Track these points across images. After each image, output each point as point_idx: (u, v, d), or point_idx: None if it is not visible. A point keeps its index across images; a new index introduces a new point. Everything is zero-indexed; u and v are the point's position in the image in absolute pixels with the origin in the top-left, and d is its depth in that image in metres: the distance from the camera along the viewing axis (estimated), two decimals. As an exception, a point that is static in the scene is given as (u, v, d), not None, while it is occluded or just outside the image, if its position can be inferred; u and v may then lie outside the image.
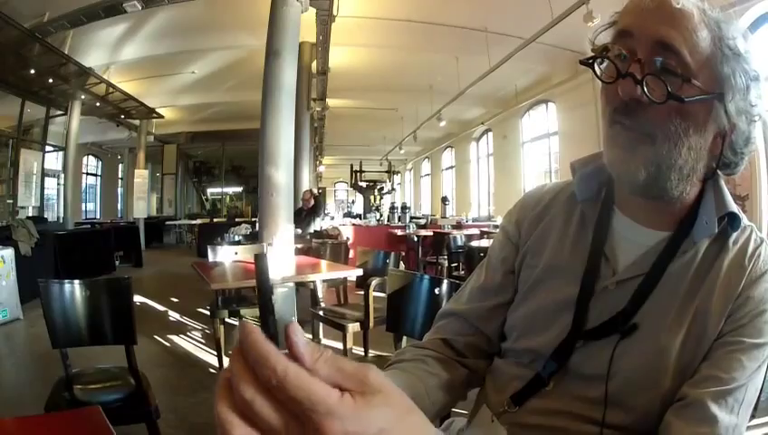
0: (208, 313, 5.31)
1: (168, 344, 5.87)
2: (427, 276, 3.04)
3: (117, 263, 12.20)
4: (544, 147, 14.94)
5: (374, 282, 4.33)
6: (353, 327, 4.25)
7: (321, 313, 4.80)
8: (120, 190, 22.94)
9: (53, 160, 15.33)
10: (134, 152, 19.21)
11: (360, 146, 24.90)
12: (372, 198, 20.52)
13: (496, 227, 12.03)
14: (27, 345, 5.86)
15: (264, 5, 6.49)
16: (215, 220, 19.77)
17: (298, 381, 0.46)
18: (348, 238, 10.09)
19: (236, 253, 5.66)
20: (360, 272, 5.03)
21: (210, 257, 5.64)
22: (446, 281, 2.87)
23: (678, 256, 1.01)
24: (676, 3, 0.93)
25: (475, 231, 11.49)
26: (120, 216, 21.08)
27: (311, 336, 5.22)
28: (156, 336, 6.07)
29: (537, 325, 1.12)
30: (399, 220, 15.05)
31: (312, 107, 13.49)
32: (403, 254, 11.47)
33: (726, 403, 0.89)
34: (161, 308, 7.81)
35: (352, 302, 5.33)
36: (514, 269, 1.23)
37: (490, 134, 18.64)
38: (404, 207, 16.14)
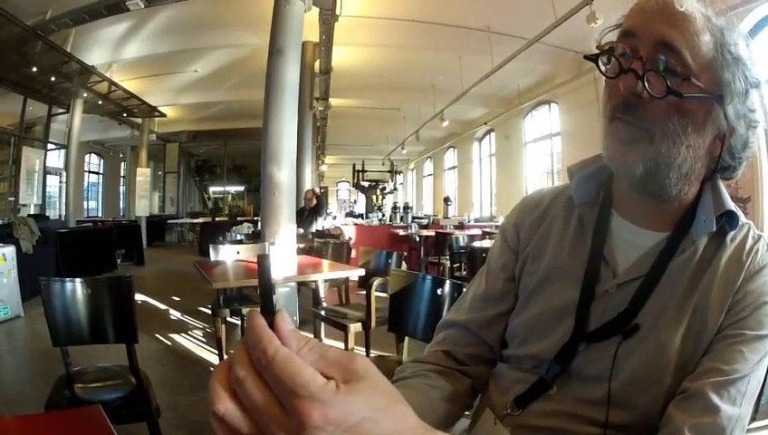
0: (210, 311, 5.31)
1: (169, 343, 5.87)
2: (429, 277, 3.03)
3: (118, 261, 12.18)
4: (547, 147, 14.94)
5: (376, 282, 4.33)
6: (355, 327, 4.24)
7: (322, 312, 4.78)
8: (121, 188, 23.01)
9: (55, 158, 15.30)
10: (136, 150, 19.20)
11: (363, 145, 24.94)
12: (374, 197, 20.50)
13: (498, 227, 12.02)
14: (28, 343, 5.86)
15: (267, 4, 6.50)
16: (216, 219, 19.79)
17: (285, 363, 0.47)
18: (350, 238, 10.10)
19: (238, 252, 5.65)
20: (362, 272, 5.02)
21: (212, 256, 5.63)
22: (448, 282, 2.87)
23: (678, 254, 1.02)
24: (680, 6, 0.94)
25: (477, 231, 11.47)
26: (121, 214, 21.09)
27: (311, 335, 5.20)
28: (157, 335, 6.06)
29: (539, 331, 1.12)
30: (401, 220, 15.04)
31: (314, 106, 13.50)
32: (405, 254, 11.47)
33: (729, 394, 0.90)
34: (163, 307, 7.81)
35: (354, 302, 5.33)
36: (515, 276, 1.23)
37: (492, 134, 18.64)
38: (406, 207, 16.13)
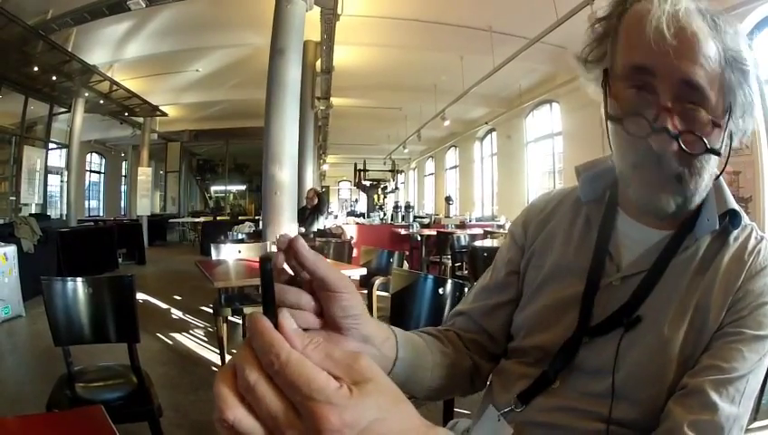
0: (211, 311, 5.30)
1: (170, 342, 5.87)
2: (431, 276, 3.02)
3: (120, 260, 12.20)
4: (548, 147, 14.94)
5: (377, 281, 4.32)
6: (357, 327, 4.21)
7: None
8: (123, 188, 23.00)
9: (57, 158, 15.32)
10: (137, 150, 19.23)
11: (364, 145, 24.96)
12: (376, 196, 20.51)
13: (500, 226, 12.04)
14: (29, 342, 5.86)
15: (268, 3, 6.50)
16: (218, 218, 19.79)
17: (299, 367, 0.46)
18: (351, 237, 10.09)
19: (240, 251, 5.65)
20: (363, 271, 4.97)
21: (213, 255, 5.62)
22: (450, 281, 2.86)
23: (681, 251, 1.03)
24: (690, 28, 0.90)
25: (479, 231, 11.47)
26: (123, 213, 21.10)
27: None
28: (158, 334, 6.06)
29: (543, 323, 1.13)
30: (403, 219, 15.05)
31: (316, 105, 13.51)
32: (407, 253, 11.46)
33: (727, 392, 0.90)
34: (164, 306, 7.81)
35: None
36: (519, 270, 1.25)
37: (494, 134, 18.64)
38: (407, 207, 16.14)
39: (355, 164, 22.46)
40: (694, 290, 1.00)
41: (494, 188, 18.96)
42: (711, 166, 0.99)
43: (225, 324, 4.89)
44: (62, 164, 15.27)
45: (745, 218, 1.05)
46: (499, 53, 10.40)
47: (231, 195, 30.21)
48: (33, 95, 12.98)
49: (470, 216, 16.48)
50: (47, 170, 14.31)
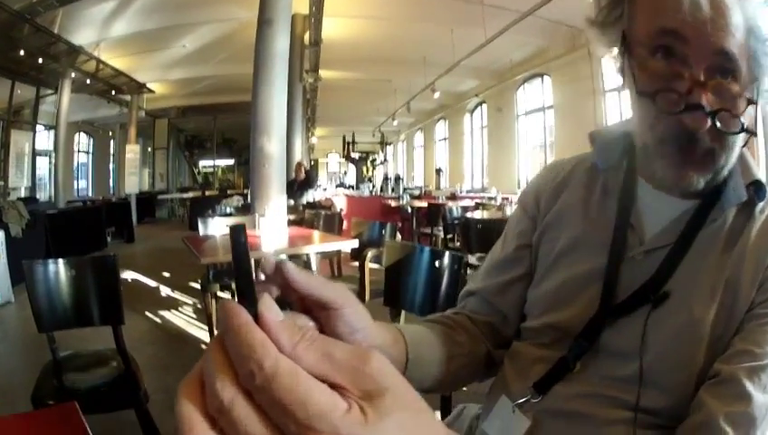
0: (200, 287, 5.22)
1: (159, 321, 5.81)
2: (427, 248, 2.93)
3: (109, 239, 12.11)
4: (539, 120, 14.90)
5: (370, 253, 4.25)
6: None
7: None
8: (111, 167, 22.93)
9: (44, 140, 15.35)
10: (125, 128, 19.15)
11: (353, 117, 24.89)
12: (365, 168, 20.51)
13: (491, 198, 12.03)
14: (18, 329, 5.74)
15: (254, -25, 6.37)
16: (207, 193, 19.80)
17: (291, 382, 0.34)
18: (341, 209, 10.05)
19: (227, 225, 5.54)
20: (355, 243, 4.85)
21: (201, 231, 5.48)
22: (447, 253, 2.76)
23: (707, 224, 0.96)
24: None
25: (470, 202, 11.53)
26: (111, 192, 20.97)
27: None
28: (147, 313, 6.00)
29: (561, 300, 1.05)
30: (393, 191, 15.05)
31: (304, 78, 13.46)
32: (399, 225, 11.46)
33: (760, 380, 0.83)
34: (153, 284, 7.71)
35: (347, 274, 5.25)
36: (531, 243, 1.17)
37: (484, 106, 18.60)
38: (397, 179, 16.16)
39: (344, 136, 22.45)
40: (723, 266, 0.92)
41: (483, 160, 18.92)
42: (741, 140, 0.93)
43: (213, 300, 4.80)
44: (50, 146, 15.24)
45: None
46: (491, 26, 10.33)
47: (219, 169, 30.21)
48: (20, 79, 12.98)
49: (460, 188, 16.52)
50: (35, 153, 14.31)
